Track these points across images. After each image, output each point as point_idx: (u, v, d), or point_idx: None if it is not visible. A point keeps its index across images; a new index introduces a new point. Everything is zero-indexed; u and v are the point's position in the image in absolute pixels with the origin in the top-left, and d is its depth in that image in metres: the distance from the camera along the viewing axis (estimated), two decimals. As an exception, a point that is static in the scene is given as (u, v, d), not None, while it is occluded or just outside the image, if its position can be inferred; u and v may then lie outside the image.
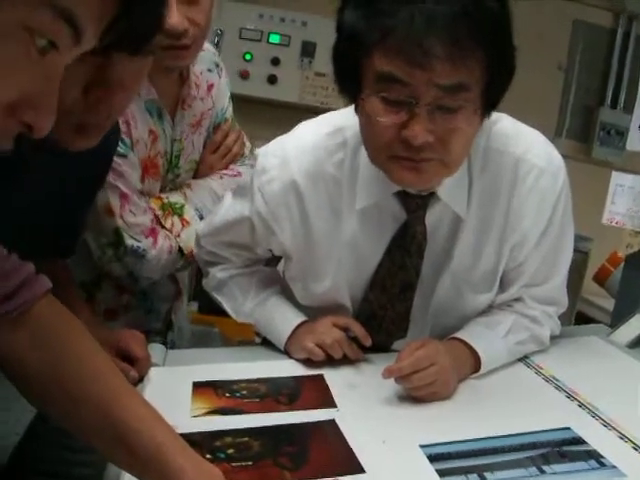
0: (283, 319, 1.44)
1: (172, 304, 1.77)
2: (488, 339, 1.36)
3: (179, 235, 1.54)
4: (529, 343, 1.44)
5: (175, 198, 1.57)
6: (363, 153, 1.25)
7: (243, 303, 1.50)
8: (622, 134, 3.69)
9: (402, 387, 1.24)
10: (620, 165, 3.51)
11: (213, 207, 1.58)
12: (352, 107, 1.21)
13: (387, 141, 1.11)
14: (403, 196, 1.28)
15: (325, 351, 1.35)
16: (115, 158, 1.41)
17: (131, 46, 0.86)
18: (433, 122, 1.08)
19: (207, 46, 1.65)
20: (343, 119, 1.30)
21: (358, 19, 1.09)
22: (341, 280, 1.38)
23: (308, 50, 3.38)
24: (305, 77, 3.40)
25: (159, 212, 1.53)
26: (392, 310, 1.40)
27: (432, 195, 1.28)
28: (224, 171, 1.69)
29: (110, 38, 0.64)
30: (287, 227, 1.33)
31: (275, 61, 3.38)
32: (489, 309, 1.44)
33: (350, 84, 1.16)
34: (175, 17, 1.35)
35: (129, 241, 1.46)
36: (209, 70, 1.66)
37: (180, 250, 1.54)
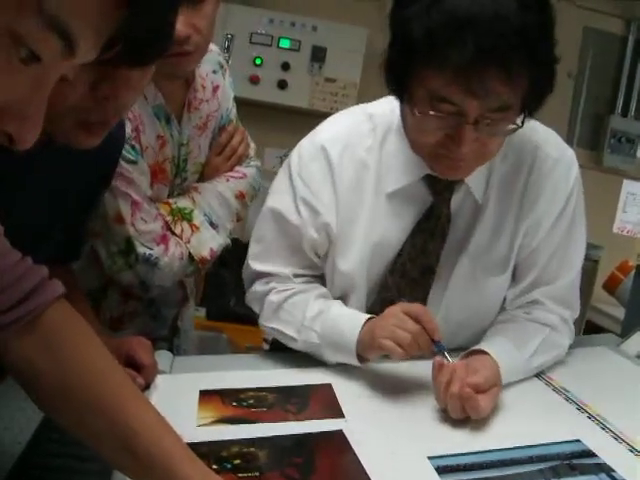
0: (348, 320, 1.36)
1: (179, 310, 1.76)
2: (512, 358, 1.34)
3: (189, 241, 1.53)
4: (550, 363, 1.44)
5: (184, 203, 1.56)
6: (391, 140, 1.37)
7: (303, 319, 1.40)
8: (633, 142, 3.68)
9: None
10: (631, 173, 3.51)
11: (221, 211, 1.58)
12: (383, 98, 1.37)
13: (434, 144, 1.22)
14: (431, 180, 1.35)
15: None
16: (125, 165, 1.40)
17: (135, 59, 0.86)
18: (477, 132, 1.17)
19: (211, 46, 1.63)
20: (373, 108, 1.42)
21: (416, 33, 1.13)
22: (361, 263, 1.40)
23: (318, 55, 3.39)
24: (315, 82, 3.40)
25: (168, 218, 1.52)
26: (410, 296, 1.40)
27: (460, 181, 1.36)
28: (230, 173, 1.67)
29: (112, 51, 0.62)
30: (328, 203, 1.39)
31: (285, 66, 3.38)
32: (511, 316, 1.46)
33: (399, 87, 1.24)
34: (177, 23, 1.34)
35: (141, 249, 1.45)
36: (214, 72, 1.65)
37: (190, 256, 1.53)
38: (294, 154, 1.43)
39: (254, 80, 3.34)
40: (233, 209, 1.63)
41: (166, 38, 0.97)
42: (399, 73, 1.21)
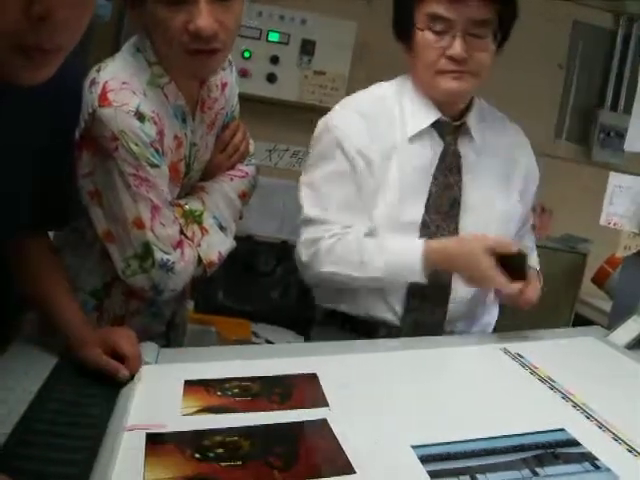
0: (406, 243, 1.60)
1: (176, 307, 1.75)
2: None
3: (199, 244, 1.50)
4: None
5: (194, 205, 1.53)
6: (406, 94, 1.69)
7: (361, 256, 1.59)
8: (622, 136, 3.65)
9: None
10: (621, 168, 3.50)
11: (227, 212, 1.57)
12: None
13: (436, 59, 1.58)
14: (440, 124, 1.66)
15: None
16: (149, 169, 1.37)
17: None
18: (467, 44, 1.55)
19: None
20: (379, 84, 1.76)
21: None
22: (398, 202, 1.63)
23: (307, 48, 3.37)
24: (304, 75, 3.38)
25: (181, 221, 1.49)
26: (446, 230, 1.64)
27: (462, 125, 1.69)
28: (232, 172, 1.64)
29: None
30: (367, 137, 1.64)
31: (274, 59, 3.36)
32: None
33: (406, 24, 1.61)
34: (205, 19, 1.30)
35: (158, 254, 1.41)
36: (223, 69, 1.60)
37: (198, 259, 1.50)
38: (321, 121, 1.71)
39: (243, 73, 3.31)
40: (237, 210, 1.62)
41: None
42: (405, 10, 1.61)
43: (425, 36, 1.58)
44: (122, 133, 1.33)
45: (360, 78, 3.33)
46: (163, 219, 1.42)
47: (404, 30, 1.63)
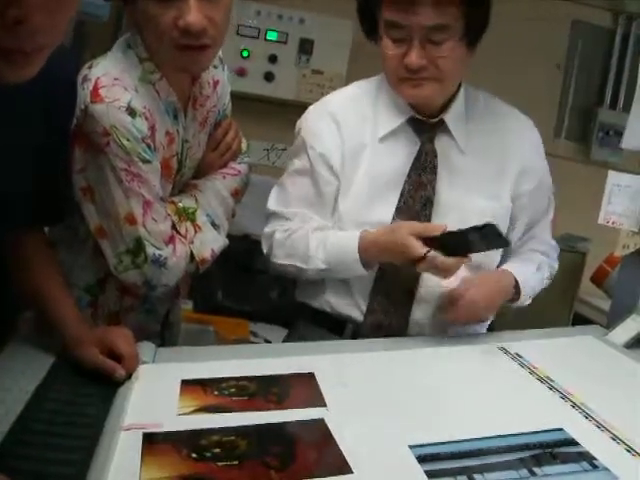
0: (346, 239, 1.60)
1: (171, 305, 1.74)
2: (525, 273, 1.67)
3: (192, 242, 1.50)
4: (547, 280, 1.78)
5: (188, 202, 1.53)
6: (382, 93, 1.67)
7: (307, 250, 1.62)
8: (621, 135, 3.66)
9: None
10: (619, 166, 3.50)
11: (220, 210, 1.57)
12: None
13: (395, 66, 1.54)
14: (416, 122, 1.64)
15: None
16: (141, 164, 1.38)
17: None
18: (424, 51, 1.49)
19: None
20: (359, 82, 1.76)
21: None
22: (360, 199, 1.64)
23: (305, 47, 3.37)
24: (302, 75, 3.38)
25: (174, 218, 1.49)
26: None
27: (440, 123, 1.64)
28: (225, 170, 1.64)
29: None
30: (334, 148, 1.64)
31: (272, 58, 3.36)
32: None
33: (371, 30, 1.60)
34: (194, 15, 1.31)
35: (150, 249, 1.42)
36: (215, 66, 1.61)
37: (191, 256, 1.51)
38: (300, 119, 1.73)
39: (241, 72, 3.31)
40: (230, 208, 1.62)
41: None
42: (367, 17, 1.59)
43: (385, 43, 1.54)
44: (113, 128, 1.34)
45: (358, 77, 3.32)
46: (155, 215, 1.43)
47: (371, 32, 1.61)
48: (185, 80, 1.50)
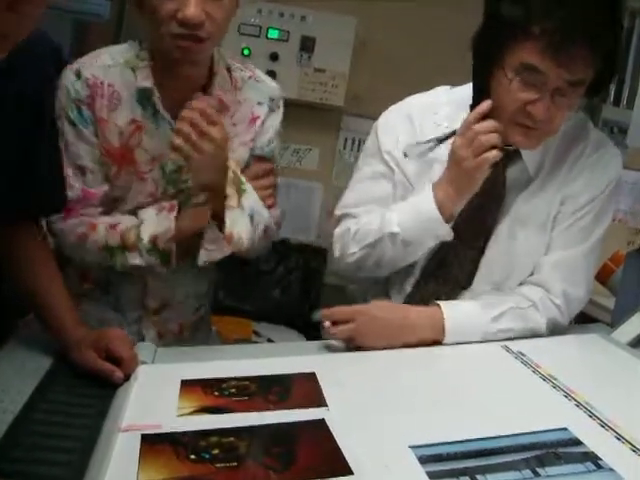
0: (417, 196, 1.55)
1: (144, 314, 1.67)
2: (467, 313, 1.50)
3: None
4: (519, 333, 1.52)
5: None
6: (465, 112, 1.50)
7: (380, 218, 1.56)
8: (625, 132, 3.64)
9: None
10: (624, 163, 3.48)
11: (261, 210, 1.54)
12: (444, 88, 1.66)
13: (514, 110, 1.41)
14: None
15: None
16: (66, 124, 1.46)
17: None
18: (552, 101, 1.38)
19: (268, 79, 1.69)
20: (460, 87, 1.62)
21: (514, 10, 1.36)
22: None
23: (307, 45, 3.34)
24: (304, 73, 3.36)
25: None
26: (463, 256, 1.57)
27: (515, 152, 1.53)
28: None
29: None
30: (409, 141, 1.59)
31: (274, 56, 3.34)
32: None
33: (488, 60, 1.43)
34: (192, 8, 1.35)
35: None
36: (259, 103, 1.63)
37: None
38: (379, 119, 1.68)
39: (242, 71, 3.31)
40: (262, 224, 1.55)
41: None
42: (492, 45, 1.40)
43: (513, 85, 1.40)
44: (60, 86, 1.46)
45: (361, 75, 3.33)
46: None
47: (484, 63, 1.46)
48: (186, 84, 1.50)
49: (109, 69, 1.49)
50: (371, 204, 1.62)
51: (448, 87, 1.67)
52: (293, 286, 3.29)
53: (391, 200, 1.61)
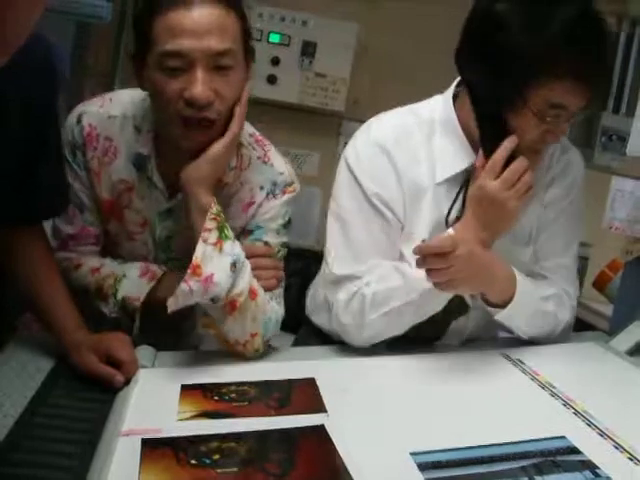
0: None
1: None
2: (528, 286, 1.50)
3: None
4: (550, 324, 1.56)
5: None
6: (437, 134, 1.51)
7: (399, 286, 1.45)
8: (624, 139, 3.65)
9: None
10: (622, 171, 3.49)
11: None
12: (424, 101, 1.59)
13: (535, 139, 1.41)
14: (473, 171, 1.46)
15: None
16: (66, 163, 1.47)
17: None
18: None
19: (279, 162, 1.56)
20: (418, 106, 1.58)
21: (534, 47, 1.32)
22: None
23: (308, 50, 3.36)
24: (305, 77, 3.37)
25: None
26: None
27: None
28: None
29: None
30: (396, 196, 1.50)
31: (275, 61, 3.35)
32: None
33: (509, 94, 1.36)
34: (200, 87, 1.28)
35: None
36: (261, 187, 1.52)
37: None
38: (348, 147, 1.56)
39: (244, 75, 3.32)
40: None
41: None
42: (514, 82, 1.34)
43: (534, 119, 1.38)
44: (65, 124, 1.49)
45: (361, 80, 3.33)
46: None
47: (502, 99, 1.39)
48: (184, 159, 1.39)
49: (112, 121, 1.47)
50: (372, 258, 1.50)
51: (407, 106, 1.59)
52: (292, 291, 3.28)
53: (390, 246, 1.52)
